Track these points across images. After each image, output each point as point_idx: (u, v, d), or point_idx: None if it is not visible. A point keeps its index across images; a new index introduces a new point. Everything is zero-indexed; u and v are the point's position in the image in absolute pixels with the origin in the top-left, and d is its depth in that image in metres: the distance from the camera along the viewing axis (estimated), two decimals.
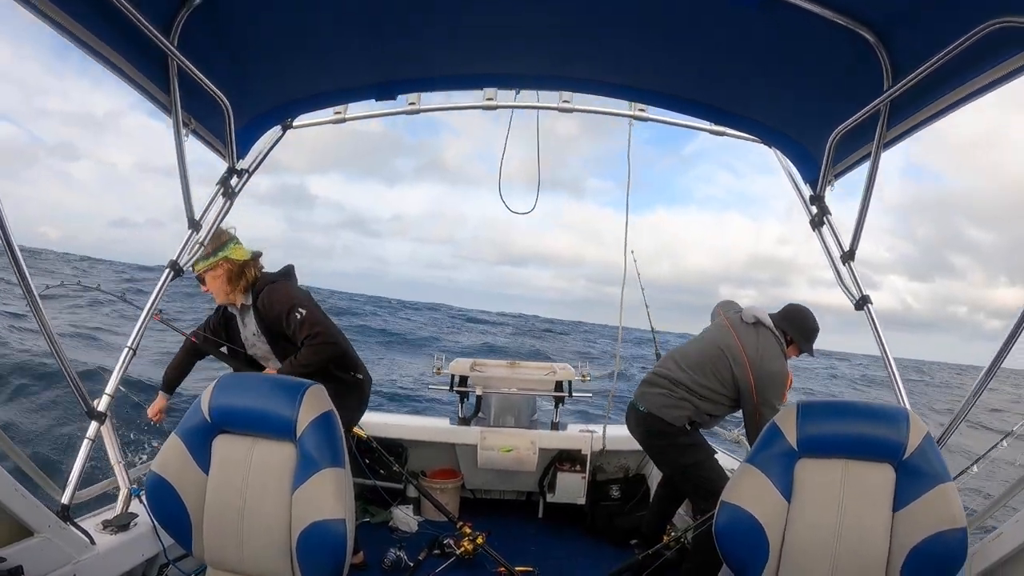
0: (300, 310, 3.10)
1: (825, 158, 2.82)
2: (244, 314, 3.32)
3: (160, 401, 3.44)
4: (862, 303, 2.73)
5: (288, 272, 3.39)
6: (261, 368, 3.44)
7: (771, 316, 3.56)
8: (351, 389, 3.37)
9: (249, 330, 3.34)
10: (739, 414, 3.58)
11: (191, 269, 3.04)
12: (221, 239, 3.12)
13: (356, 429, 3.86)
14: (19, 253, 1.97)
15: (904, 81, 2.11)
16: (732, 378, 3.39)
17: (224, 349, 3.44)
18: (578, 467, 4.57)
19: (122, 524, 2.39)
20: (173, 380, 3.50)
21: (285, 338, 3.22)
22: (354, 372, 3.42)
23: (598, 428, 4.73)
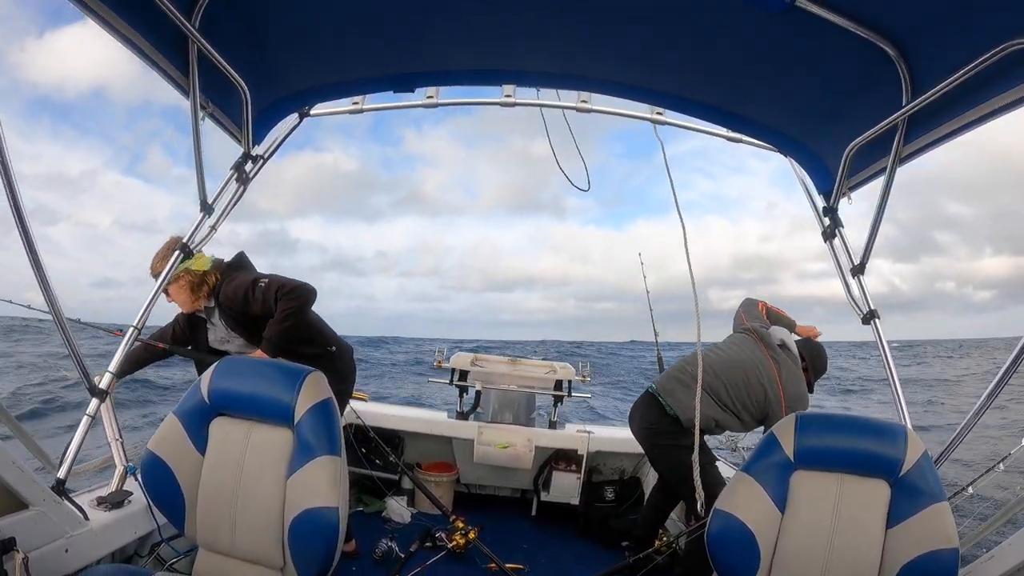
0: (262, 281, 3.03)
1: (840, 170, 2.80)
2: (211, 316, 3.25)
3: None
4: (869, 318, 2.72)
5: (239, 263, 3.31)
6: None
7: (795, 342, 3.58)
8: (326, 362, 3.25)
9: (219, 330, 3.26)
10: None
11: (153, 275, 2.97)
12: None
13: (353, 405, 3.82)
14: (30, 225, 1.98)
15: (923, 97, 2.10)
16: (764, 398, 3.35)
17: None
18: (574, 467, 4.57)
19: (116, 501, 2.40)
20: (126, 369, 3.26)
21: (257, 323, 3.14)
22: (327, 346, 3.36)
23: (595, 429, 4.72)
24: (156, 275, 2.93)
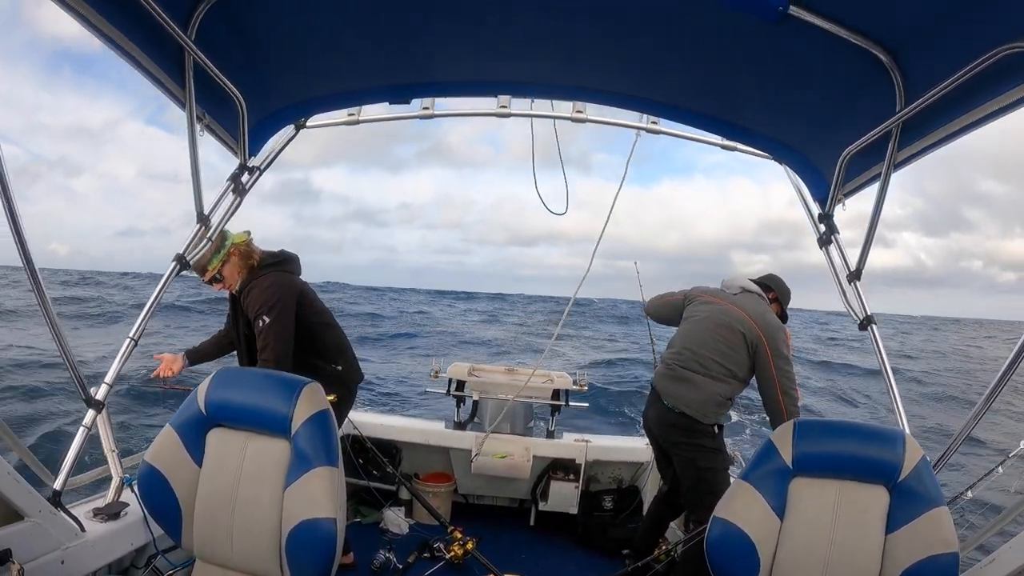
0: (265, 318, 3.09)
1: (835, 177, 2.82)
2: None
3: (177, 360, 3.39)
4: (866, 323, 2.72)
5: (280, 258, 3.37)
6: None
7: (752, 281, 3.67)
8: (327, 380, 3.26)
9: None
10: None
11: (208, 270, 3.14)
12: (219, 233, 3.11)
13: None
14: (25, 237, 1.97)
15: (917, 103, 2.11)
16: (744, 344, 3.36)
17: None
18: (572, 476, 4.56)
19: (113, 512, 2.39)
20: (201, 353, 3.53)
21: (248, 330, 3.24)
22: (334, 363, 3.38)
23: (593, 438, 4.71)
24: (203, 266, 3.12)
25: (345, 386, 3.44)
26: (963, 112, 2.13)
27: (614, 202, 4.02)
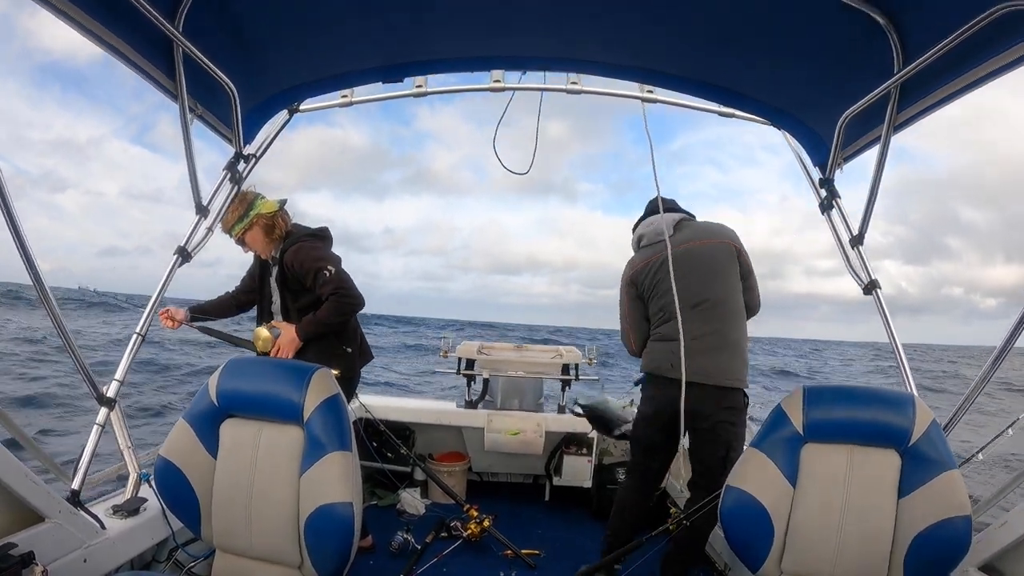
0: (330, 267, 3.16)
1: (834, 141, 2.79)
2: (272, 265, 3.37)
3: (179, 311, 3.41)
4: (870, 288, 2.71)
5: (321, 233, 3.43)
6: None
7: (673, 210, 3.36)
8: (337, 360, 3.25)
9: (273, 282, 3.39)
10: None
11: (231, 235, 3.23)
12: (247, 199, 3.21)
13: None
14: (24, 233, 1.97)
15: (914, 64, 2.09)
16: (729, 257, 3.15)
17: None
18: (584, 450, 4.59)
19: (132, 509, 2.41)
20: (205, 309, 3.60)
21: (297, 294, 3.28)
22: (346, 345, 3.40)
23: None
24: (227, 230, 3.20)
25: (352, 368, 3.46)
26: (962, 72, 2.11)
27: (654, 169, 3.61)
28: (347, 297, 3.17)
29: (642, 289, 3.28)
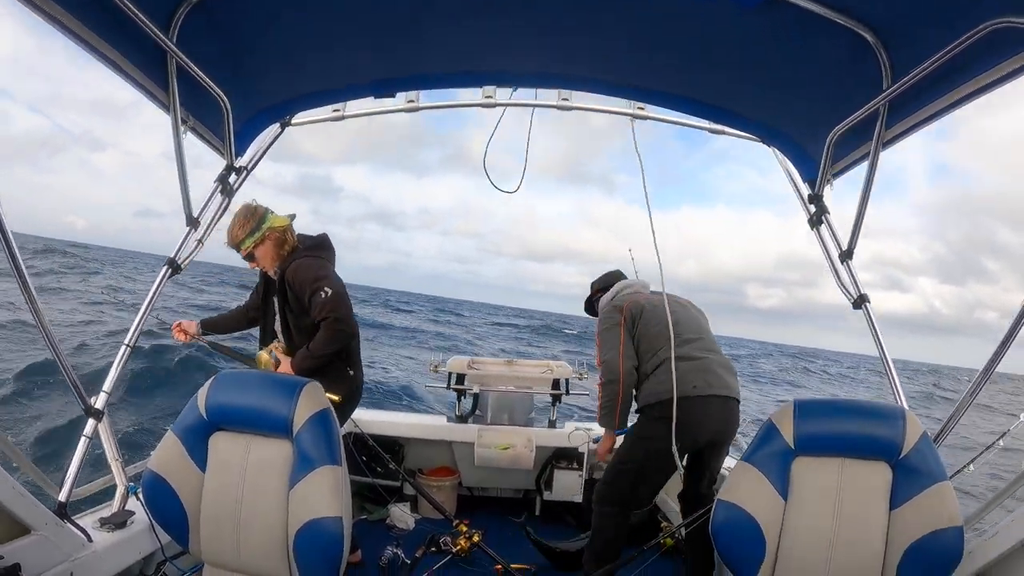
0: (326, 289, 3.12)
1: (824, 157, 2.82)
2: (274, 281, 3.35)
3: (191, 324, 3.48)
4: (860, 302, 2.73)
5: (321, 243, 3.41)
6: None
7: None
8: (340, 381, 3.31)
9: (275, 300, 3.38)
10: None
11: (239, 250, 3.21)
12: (257, 213, 3.20)
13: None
14: (16, 248, 1.96)
15: (903, 81, 2.11)
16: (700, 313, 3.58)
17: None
18: (575, 465, 4.58)
19: (119, 522, 2.39)
20: (216, 323, 3.62)
21: (298, 315, 3.26)
22: (350, 367, 3.39)
23: (595, 426, 4.72)
24: (235, 245, 3.18)
25: (354, 389, 3.45)
26: (950, 89, 2.13)
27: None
28: (340, 323, 3.13)
29: (636, 317, 3.39)
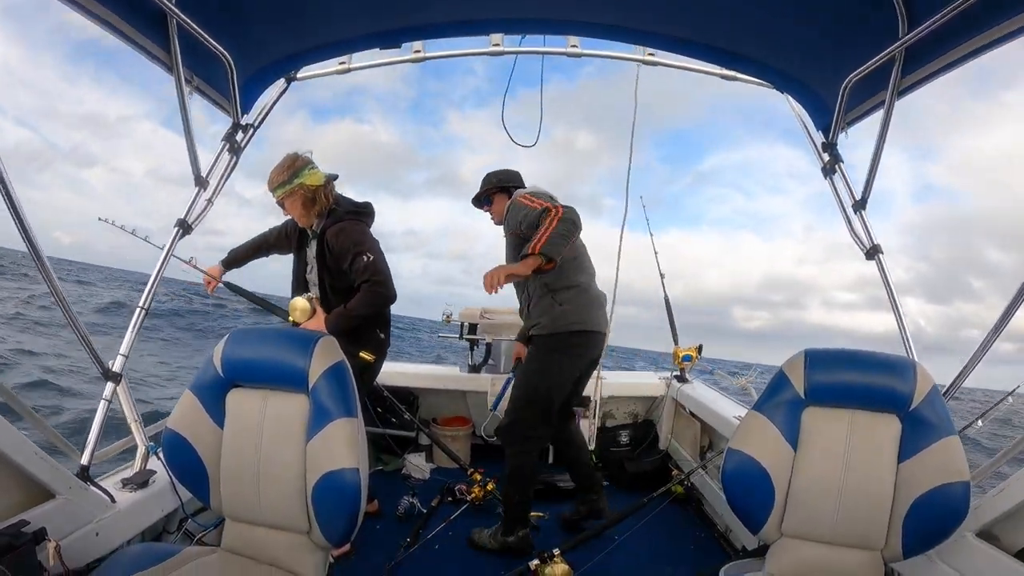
0: (368, 254, 3.12)
1: (838, 105, 2.76)
2: (311, 240, 3.36)
3: (215, 269, 3.55)
4: (872, 253, 2.69)
5: (366, 210, 3.40)
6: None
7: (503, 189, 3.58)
8: (370, 343, 3.34)
9: (311, 253, 3.37)
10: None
11: (274, 195, 3.17)
12: (296, 165, 3.15)
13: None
14: (23, 211, 1.95)
15: (920, 28, 2.05)
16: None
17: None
18: (587, 413, 4.63)
19: (141, 481, 2.43)
20: (237, 256, 3.65)
21: (335, 275, 3.26)
22: (380, 331, 3.41)
23: (607, 375, 4.76)
24: (271, 189, 3.15)
25: (382, 353, 3.46)
26: (968, 37, 2.07)
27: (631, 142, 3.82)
28: (380, 287, 3.14)
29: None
